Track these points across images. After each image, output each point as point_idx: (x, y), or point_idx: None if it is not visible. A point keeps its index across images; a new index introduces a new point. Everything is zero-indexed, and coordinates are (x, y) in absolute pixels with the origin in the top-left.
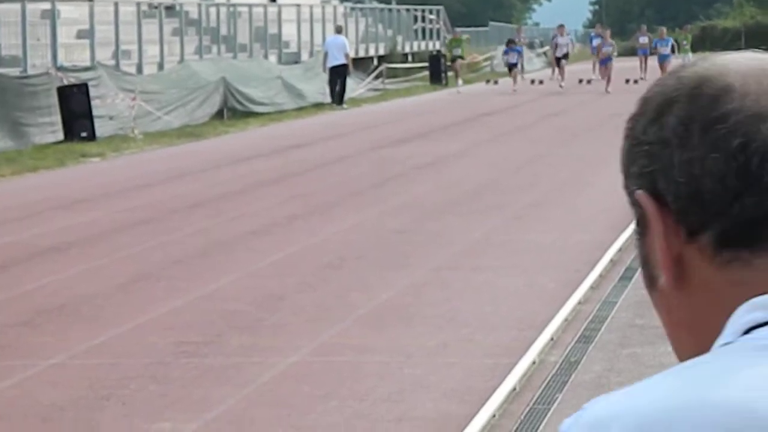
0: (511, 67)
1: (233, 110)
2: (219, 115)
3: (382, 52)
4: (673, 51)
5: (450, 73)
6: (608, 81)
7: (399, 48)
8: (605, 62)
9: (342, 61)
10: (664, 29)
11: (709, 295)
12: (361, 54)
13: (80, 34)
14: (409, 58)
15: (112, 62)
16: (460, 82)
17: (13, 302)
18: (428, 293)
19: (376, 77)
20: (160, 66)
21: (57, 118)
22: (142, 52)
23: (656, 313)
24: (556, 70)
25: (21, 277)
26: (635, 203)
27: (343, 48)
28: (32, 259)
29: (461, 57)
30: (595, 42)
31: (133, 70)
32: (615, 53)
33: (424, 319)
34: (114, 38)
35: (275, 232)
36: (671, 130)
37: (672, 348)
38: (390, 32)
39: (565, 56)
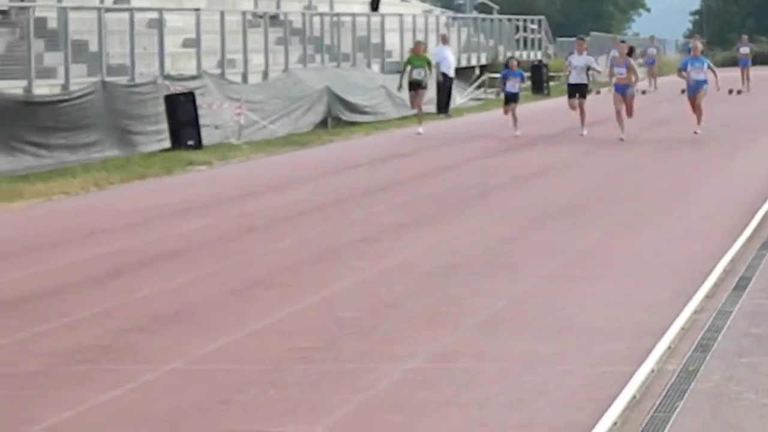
0: (509, 98)
1: (337, 119)
2: (323, 123)
3: (484, 61)
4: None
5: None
6: (629, 114)
7: (501, 58)
8: (622, 90)
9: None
10: (699, 44)
11: None
12: (464, 63)
13: (186, 43)
14: None
15: (218, 71)
16: (420, 129)
17: (129, 308)
18: (541, 301)
19: (479, 87)
20: (265, 75)
21: (164, 126)
22: (247, 61)
23: None
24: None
25: (134, 284)
26: None
27: (433, 58)
28: (144, 265)
29: (419, 84)
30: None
31: (238, 79)
32: (636, 83)
33: (539, 327)
34: (220, 47)
35: (383, 240)
36: None
37: None
38: (492, 42)
39: (581, 85)
